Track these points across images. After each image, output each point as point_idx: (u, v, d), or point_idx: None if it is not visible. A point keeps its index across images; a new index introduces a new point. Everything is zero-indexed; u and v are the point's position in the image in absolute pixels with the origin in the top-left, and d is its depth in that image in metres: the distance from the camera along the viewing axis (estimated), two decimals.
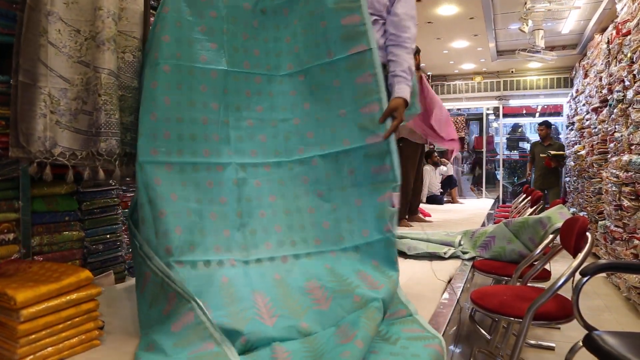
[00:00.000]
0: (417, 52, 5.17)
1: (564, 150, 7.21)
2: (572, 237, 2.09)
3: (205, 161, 1.76)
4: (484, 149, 10.82)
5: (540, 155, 7.13)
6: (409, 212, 4.59)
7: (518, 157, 12.80)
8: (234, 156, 1.83)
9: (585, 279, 1.73)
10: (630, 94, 4.09)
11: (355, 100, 1.84)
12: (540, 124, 7.48)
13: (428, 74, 9.56)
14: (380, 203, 1.76)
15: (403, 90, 1.90)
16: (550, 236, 2.56)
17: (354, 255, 1.76)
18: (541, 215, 2.85)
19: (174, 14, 1.76)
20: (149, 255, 1.59)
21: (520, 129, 13.15)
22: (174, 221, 1.62)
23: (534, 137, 11.67)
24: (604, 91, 5.27)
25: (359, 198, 1.80)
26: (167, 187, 1.66)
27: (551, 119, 12.30)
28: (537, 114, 12.73)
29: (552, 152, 6.95)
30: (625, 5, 4.50)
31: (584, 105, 6.88)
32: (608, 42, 5.26)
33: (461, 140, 10.16)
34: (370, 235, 1.76)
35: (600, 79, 5.54)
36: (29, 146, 1.58)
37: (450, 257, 2.85)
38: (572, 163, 7.35)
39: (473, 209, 6.16)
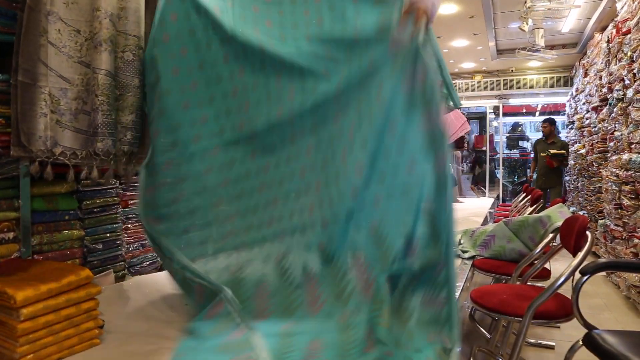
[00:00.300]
0: None
1: (567, 149, 6.90)
2: (572, 236, 2.09)
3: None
4: (487, 148, 10.81)
5: (541, 154, 6.95)
6: None
7: (518, 156, 12.78)
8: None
9: (585, 277, 1.73)
10: (630, 92, 4.09)
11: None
12: (544, 121, 7.16)
13: None
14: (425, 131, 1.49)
15: None
16: (550, 235, 2.56)
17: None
18: (541, 214, 2.86)
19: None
20: (172, 256, 1.64)
21: (520, 128, 13.14)
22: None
23: (534, 136, 11.68)
24: (604, 90, 5.27)
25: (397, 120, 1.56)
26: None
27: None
28: (537, 113, 12.72)
29: (552, 151, 6.71)
30: (625, 4, 4.49)
31: (584, 104, 6.88)
32: (608, 41, 5.26)
33: (461, 139, 10.16)
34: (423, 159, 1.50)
35: (600, 78, 5.54)
36: (30, 145, 1.59)
37: None
38: (572, 162, 7.34)
39: (473, 208, 6.16)
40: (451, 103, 1.84)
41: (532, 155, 7.73)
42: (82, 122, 1.70)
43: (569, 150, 7.16)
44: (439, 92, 1.46)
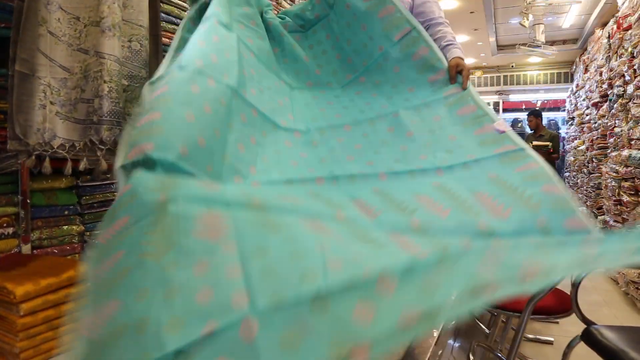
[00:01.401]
0: None
1: (557, 141, 6.26)
2: None
3: (284, 127, 1.73)
4: None
5: None
6: None
7: None
8: (310, 125, 1.81)
9: (584, 273, 1.73)
10: (630, 88, 4.09)
11: (419, 75, 1.88)
12: (528, 114, 6.60)
13: None
14: (480, 135, 1.60)
15: (456, 52, 1.95)
16: None
17: (464, 172, 1.51)
18: None
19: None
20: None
21: (520, 124, 13.14)
22: (250, 160, 1.45)
23: None
24: (604, 86, 5.27)
25: (452, 134, 1.65)
26: (249, 129, 1.54)
27: (551, 114, 12.31)
28: (539, 109, 12.69)
29: (535, 143, 6.03)
30: None
31: (584, 100, 6.87)
32: (609, 37, 5.25)
33: None
34: (477, 156, 1.54)
35: (601, 74, 5.53)
36: (27, 138, 1.56)
37: None
38: (572, 158, 7.34)
39: None
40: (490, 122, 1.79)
41: None
42: (80, 111, 1.65)
43: (559, 142, 6.71)
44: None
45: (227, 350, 0.73)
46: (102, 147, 1.66)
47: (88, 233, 2.16)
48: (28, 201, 1.90)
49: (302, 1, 2.32)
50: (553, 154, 6.11)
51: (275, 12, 2.56)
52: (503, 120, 1.64)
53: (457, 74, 1.83)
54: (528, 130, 6.58)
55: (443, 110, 1.74)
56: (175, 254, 0.86)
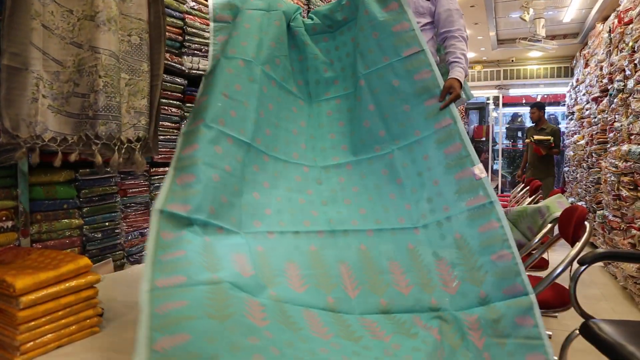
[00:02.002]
0: None
1: (558, 135, 6.22)
2: (570, 227, 2.09)
3: (294, 161, 2.04)
4: (490, 137, 10.78)
5: (525, 140, 6.29)
6: None
7: (521, 147, 12.76)
8: (318, 161, 2.10)
9: (583, 267, 1.73)
10: (631, 83, 4.08)
11: (417, 95, 2.01)
12: (531, 106, 6.50)
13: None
14: (459, 180, 1.83)
15: (457, 72, 2.10)
16: (549, 225, 2.57)
17: (436, 230, 1.82)
18: (540, 204, 2.86)
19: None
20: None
21: (519, 119, 13.12)
22: (265, 204, 1.82)
23: None
24: (605, 81, 5.25)
25: (436, 178, 1.89)
26: (262, 176, 1.89)
27: (551, 109, 12.29)
28: (532, 103, 12.65)
29: (536, 137, 6.02)
30: None
31: (584, 94, 6.85)
32: (609, 31, 5.23)
33: None
34: (451, 210, 1.81)
35: (601, 69, 5.52)
36: (17, 131, 1.53)
37: None
38: (571, 153, 7.33)
39: None
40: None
41: (521, 147, 7.07)
42: (73, 105, 1.63)
43: (561, 137, 6.65)
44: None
45: None
46: (97, 142, 1.65)
47: (87, 227, 2.16)
48: (27, 194, 1.90)
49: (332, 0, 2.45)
50: (554, 149, 6.06)
51: (305, 13, 2.95)
52: (481, 165, 1.85)
53: (446, 94, 1.98)
54: (528, 125, 6.54)
55: (432, 148, 1.94)
56: (233, 322, 1.24)
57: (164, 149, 2.65)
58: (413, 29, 2.05)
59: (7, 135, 1.55)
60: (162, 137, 2.60)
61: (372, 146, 2.09)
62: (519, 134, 12.70)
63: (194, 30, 2.71)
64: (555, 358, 1.53)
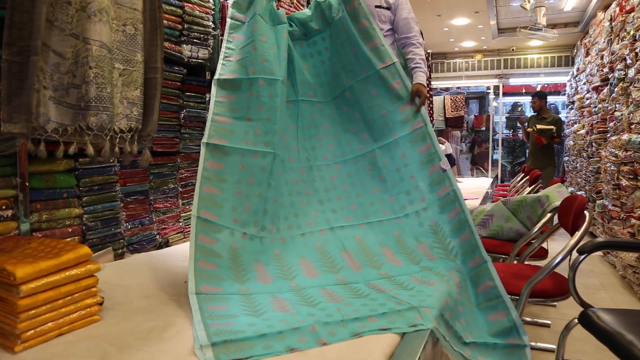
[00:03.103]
0: None
1: (560, 125, 6.24)
2: (569, 216, 2.10)
3: (291, 165, 2.29)
4: (491, 127, 10.76)
5: (528, 129, 6.31)
6: None
7: (520, 137, 12.73)
8: (312, 161, 2.36)
9: (582, 257, 1.74)
10: (632, 72, 4.06)
11: (392, 102, 2.35)
12: (532, 96, 6.53)
13: (428, 51, 9.45)
14: (430, 174, 2.22)
15: (420, 77, 2.43)
16: (548, 215, 2.57)
17: (415, 219, 2.18)
18: (539, 193, 2.86)
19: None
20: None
21: (519, 108, 13.08)
22: (276, 210, 2.11)
23: None
24: (605, 70, 5.23)
25: (412, 174, 2.25)
26: (278, 183, 2.16)
27: (551, 98, 12.25)
28: (534, 92, 12.61)
29: (539, 127, 6.05)
30: None
31: (584, 84, 6.83)
32: (611, 20, 5.19)
33: (460, 118, 10.13)
34: (426, 201, 2.19)
35: (602, 57, 5.49)
36: (23, 122, 1.55)
37: None
38: (572, 142, 7.32)
39: (471, 188, 6.17)
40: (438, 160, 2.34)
41: (520, 135, 6.96)
42: (72, 96, 1.63)
43: (562, 126, 6.63)
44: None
45: None
46: (89, 133, 1.64)
47: (87, 216, 2.16)
48: (27, 184, 1.89)
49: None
50: (556, 138, 6.04)
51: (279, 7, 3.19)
52: (445, 159, 2.25)
53: (415, 97, 2.32)
54: (528, 114, 6.51)
55: (408, 147, 2.29)
56: (266, 315, 1.54)
57: (163, 138, 2.65)
58: (383, 44, 2.38)
59: (10, 124, 1.55)
60: (162, 126, 2.59)
61: (356, 147, 2.41)
62: (518, 124, 12.67)
63: (193, 19, 2.69)
64: (554, 346, 1.54)
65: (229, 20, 2.36)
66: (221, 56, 2.26)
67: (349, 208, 2.28)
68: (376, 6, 2.56)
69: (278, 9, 2.53)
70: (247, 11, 2.38)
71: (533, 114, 6.45)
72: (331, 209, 2.26)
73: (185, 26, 2.66)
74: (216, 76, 2.18)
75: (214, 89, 2.15)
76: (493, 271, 1.91)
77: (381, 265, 2.02)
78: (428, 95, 7.41)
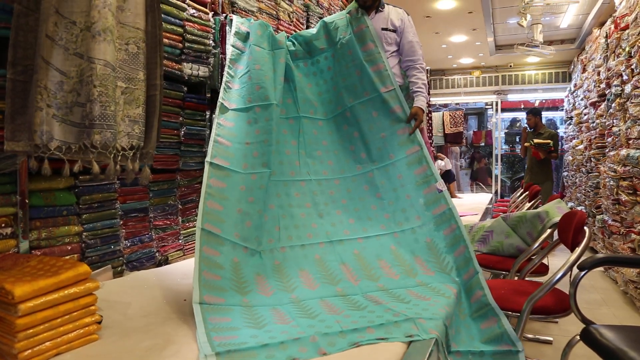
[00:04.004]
0: None
1: (556, 139, 6.23)
2: (569, 232, 2.10)
3: (292, 179, 2.39)
4: (498, 142, 10.75)
5: (525, 144, 6.34)
6: None
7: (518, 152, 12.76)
8: (312, 175, 2.46)
9: (583, 273, 1.73)
10: (628, 88, 4.09)
11: (391, 125, 2.47)
12: (527, 113, 6.59)
13: (427, 68, 9.52)
14: (426, 195, 2.31)
15: (420, 101, 2.55)
16: (548, 230, 2.57)
17: (411, 235, 2.26)
18: (539, 209, 2.86)
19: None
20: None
21: (518, 124, 13.14)
22: (274, 222, 2.20)
23: None
24: (602, 85, 5.27)
25: (408, 193, 2.35)
26: (268, 199, 2.23)
27: (549, 114, 12.31)
28: (527, 110, 12.67)
29: (536, 141, 6.05)
30: None
31: (582, 99, 6.88)
32: (606, 37, 5.25)
33: (460, 134, 10.16)
34: (422, 219, 2.27)
35: (599, 74, 5.54)
36: (26, 140, 1.57)
37: None
38: (570, 157, 7.34)
39: (471, 204, 6.17)
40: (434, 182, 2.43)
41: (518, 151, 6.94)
42: (76, 114, 1.65)
43: (559, 141, 6.63)
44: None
45: None
46: (94, 151, 1.66)
47: (86, 233, 2.15)
48: (26, 201, 1.89)
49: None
50: (552, 153, 6.06)
51: (274, 11, 3.42)
52: (442, 181, 2.33)
53: (412, 119, 2.46)
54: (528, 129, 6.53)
55: (404, 169, 2.40)
56: (268, 327, 1.58)
57: (164, 156, 2.65)
58: (387, 69, 2.51)
59: (14, 142, 1.57)
60: (162, 144, 2.60)
61: (355, 165, 2.52)
62: (517, 138, 12.72)
63: (193, 37, 2.71)
64: None
65: (230, 48, 2.52)
66: (224, 79, 2.42)
67: (347, 222, 2.36)
68: (383, 29, 2.65)
69: (277, 32, 2.63)
70: (245, 41, 2.55)
71: (529, 130, 6.48)
72: (330, 222, 2.33)
73: (186, 44, 2.68)
74: (220, 99, 2.33)
75: (217, 110, 2.30)
76: (483, 281, 1.99)
77: (378, 277, 2.08)
78: (427, 111, 7.50)
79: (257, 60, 2.46)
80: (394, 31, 2.68)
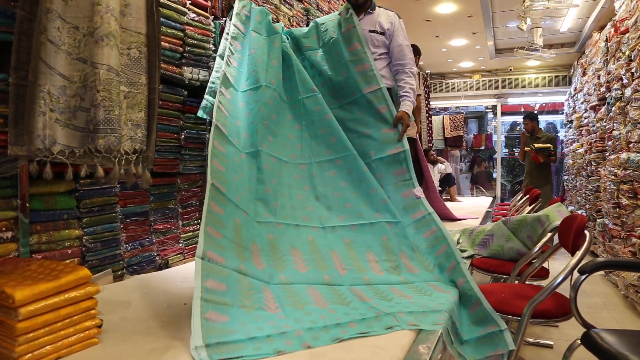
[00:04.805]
0: (417, 53, 5.19)
1: (554, 143, 6.19)
2: (570, 235, 2.09)
3: (293, 162, 2.48)
4: (498, 146, 10.77)
5: (525, 148, 6.28)
6: None
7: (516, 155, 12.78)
8: (314, 157, 2.54)
9: (584, 276, 1.73)
10: (628, 92, 4.10)
11: (376, 124, 2.54)
12: (524, 118, 6.56)
13: (427, 72, 9.55)
14: (404, 198, 2.39)
15: (406, 106, 2.58)
16: (549, 234, 2.56)
17: (402, 230, 2.31)
18: (539, 213, 2.86)
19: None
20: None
21: (518, 127, 13.15)
22: (273, 198, 2.28)
23: None
24: (602, 89, 5.28)
25: (388, 195, 2.41)
26: (270, 174, 2.32)
27: (550, 117, 12.33)
28: (535, 112, 12.71)
29: (537, 145, 6.01)
30: (623, 3, 4.50)
31: (582, 103, 6.88)
32: (606, 40, 5.26)
33: (460, 138, 10.18)
34: (403, 219, 2.34)
35: (599, 77, 5.54)
36: (29, 144, 1.57)
37: None
38: (570, 161, 7.34)
39: (471, 207, 6.17)
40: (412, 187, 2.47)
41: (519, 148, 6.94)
42: (80, 119, 1.66)
43: (557, 144, 6.62)
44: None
45: None
46: (98, 155, 1.67)
47: (87, 237, 2.15)
48: (27, 205, 1.89)
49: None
50: (551, 157, 6.06)
51: (274, 15, 3.46)
52: (419, 188, 2.40)
53: (398, 123, 2.50)
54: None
55: (384, 169, 2.48)
56: (256, 313, 1.66)
57: (164, 159, 2.66)
58: (372, 69, 2.55)
59: (17, 146, 1.57)
60: (162, 147, 2.60)
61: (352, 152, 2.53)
62: (518, 142, 12.73)
63: (194, 42, 2.72)
64: None
65: (232, 27, 2.58)
66: (225, 53, 2.48)
67: (344, 206, 2.42)
68: (370, 31, 2.67)
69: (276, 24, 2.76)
70: (245, 24, 2.65)
71: (527, 135, 6.46)
72: (327, 205, 2.41)
73: (186, 49, 2.69)
74: (223, 71, 2.39)
75: (219, 81, 2.35)
76: (465, 269, 2.06)
77: (365, 270, 2.15)
78: (427, 115, 7.50)
79: (252, 45, 2.56)
80: (382, 34, 2.69)
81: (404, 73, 2.67)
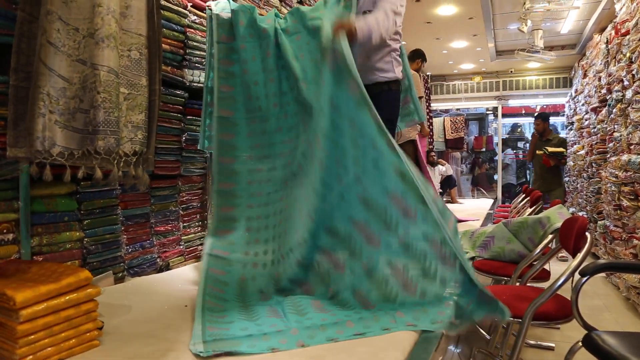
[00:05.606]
0: (421, 57, 5.17)
1: (565, 145, 6.15)
2: (571, 237, 2.09)
3: (290, 168, 2.39)
4: (499, 148, 10.76)
5: (537, 152, 6.12)
6: None
7: (522, 157, 12.75)
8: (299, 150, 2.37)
9: (585, 278, 1.73)
10: (629, 93, 4.10)
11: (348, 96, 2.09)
12: (536, 118, 6.41)
13: (427, 74, 9.55)
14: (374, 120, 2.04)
15: (361, 20, 2.21)
16: (550, 236, 2.56)
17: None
18: (540, 215, 2.85)
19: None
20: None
21: (519, 129, 13.14)
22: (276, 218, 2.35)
23: None
24: (603, 91, 5.28)
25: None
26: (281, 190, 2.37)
27: (551, 119, 12.30)
28: (536, 114, 12.69)
29: (550, 149, 5.89)
30: (624, 5, 4.50)
31: (583, 105, 6.88)
32: (607, 42, 5.26)
33: (460, 140, 10.18)
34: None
35: (599, 79, 5.54)
36: (28, 146, 1.57)
37: None
38: (572, 163, 7.34)
39: (472, 209, 6.17)
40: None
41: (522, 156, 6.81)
42: (79, 120, 1.66)
43: (567, 147, 6.59)
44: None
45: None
46: (97, 157, 1.67)
47: (87, 239, 2.15)
48: (28, 207, 1.90)
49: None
50: (562, 160, 6.02)
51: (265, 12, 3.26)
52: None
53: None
54: (527, 135, 6.53)
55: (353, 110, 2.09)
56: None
57: (165, 161, 2.66)
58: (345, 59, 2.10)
59: (17, 148, 1.57)
60: (163, 149, 2.61)
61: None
62: (519, 144, 12.72)
63: (194, 44, 2.73)
64: None
65: (216, 46, 2.45)
66: (215, 85, 2.44)
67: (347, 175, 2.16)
68: (364, 12, 2.47)
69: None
70: (230, 32, 2.48)
71: (536, 135, 6.33)
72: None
73: (187, 51, 2.69)
74: (214, 109, 2.45)
75: (215, 125, 2.45)
76: (462, 257, 1.74)
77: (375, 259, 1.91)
78: (428, 117, 7.44)
79: (244, 65, 2.46)
80: (374, 4, 2.47)
81: (370, 22, 2.29)
